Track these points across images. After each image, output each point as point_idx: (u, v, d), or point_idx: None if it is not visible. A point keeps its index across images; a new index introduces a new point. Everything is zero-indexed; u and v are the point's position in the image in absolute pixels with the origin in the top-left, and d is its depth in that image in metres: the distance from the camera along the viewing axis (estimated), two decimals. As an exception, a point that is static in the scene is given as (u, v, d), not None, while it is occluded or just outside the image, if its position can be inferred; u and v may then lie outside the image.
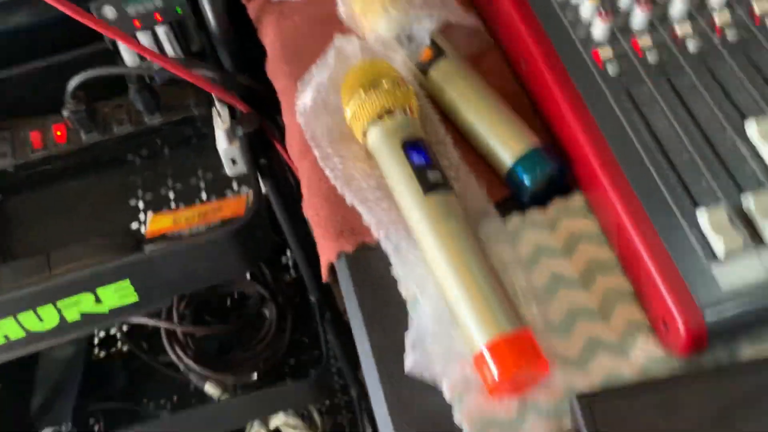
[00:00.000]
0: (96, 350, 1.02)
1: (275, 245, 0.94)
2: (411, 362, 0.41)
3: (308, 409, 1.14)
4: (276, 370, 0.94)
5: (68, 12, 0.60)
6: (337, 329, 0.94)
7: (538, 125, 0.51)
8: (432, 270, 0.44)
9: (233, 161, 0.70)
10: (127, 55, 0.73)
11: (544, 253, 0.46)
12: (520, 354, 0.39)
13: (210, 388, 0.89)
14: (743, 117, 0.43)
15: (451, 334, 0.42)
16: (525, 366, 0.39)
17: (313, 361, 0.93)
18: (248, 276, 0.99)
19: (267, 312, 0.97)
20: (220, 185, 0.72)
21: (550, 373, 0.41)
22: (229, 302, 1.02)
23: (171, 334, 0.90)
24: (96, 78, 0.68)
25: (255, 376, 0.91)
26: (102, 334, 1.03)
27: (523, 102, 0.53)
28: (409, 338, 0.42)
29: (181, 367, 0.89)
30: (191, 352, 0.91)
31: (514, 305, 0.42)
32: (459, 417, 0.41)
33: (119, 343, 1.02)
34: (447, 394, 0.42)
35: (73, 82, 0.66)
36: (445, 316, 0.43)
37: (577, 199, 0.48)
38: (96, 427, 0.91)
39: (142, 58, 0.71)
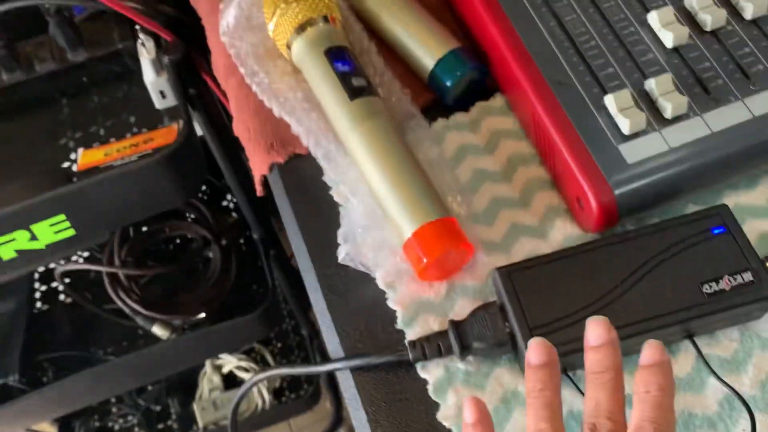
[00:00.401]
0: (39, 304, 1.01)
1: (209, 181, 0.95)
2: (343, 253, 0.43)
3: (261, 352, 1.16)
4: (224, 310, 0.94)
5: None
6: (284, 269, 0.96)
7: (459, 33, 0.52)
8: (361, 170, 0.46)
9: (162, 94, 0.70)
10: (46, -11, 0.71)
11: (468, 151, 0.49)
12: (444, 237, 0.41)
13: (158, 330, 0.90)
14: (646, 10, 0.46)
15: (382, 228, 0.44)
16: (449, 248, 0.41)
17: (260, 298, 0.95)
18: (190, 219, 1.00)
19: (211, 254, 0.98)
20: (151, 119, 0.72)
21: (475, 256, 0.44)
22: (172, 247, 1.02)
23: (114, 279, 0.90)
24: (12, 12, 0.66)
25: (203, 316, 0.92)
26: (44, 288, 1.02)
27: (445, 13, 0.54)
28: (341, 232, 0.44)
29: (127, 310, 0.89)
30: (136, 296, 0.91)
31: (440, 197, 0.44)
32: (393, 302, 0.43)
33: (62, 296, 1.01)
34: (381, 283, 0.44)
35: (-11, 17, 0.65)
36: (377, 212, 0.45)
37: (497, 100, 0.50)
38: (45, 377, 0.91)
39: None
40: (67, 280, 0.98)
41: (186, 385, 1.11)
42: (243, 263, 0.98)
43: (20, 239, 0.61)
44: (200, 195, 1.07)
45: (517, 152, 0.48)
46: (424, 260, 0.41)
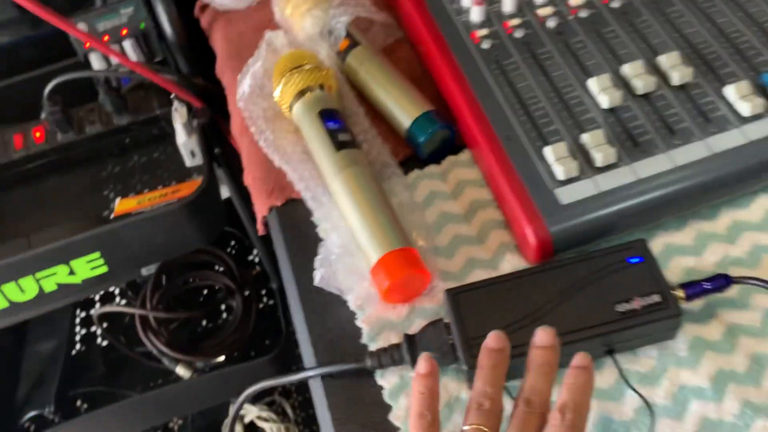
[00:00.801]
0: (78, 346, 1.10)
1: (237, 237, 1.04)
2: (318, 276, 0.51)
3: (282, 405, 1.22)
4: (243, 354, 1.02)
5: (58, 24, 0.69)
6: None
7: (436, 99, 0.61)
8: (340, 209, 0.54)
9: (192, 153, 0.80)
10: (97, 64, 0.83)
11: (436, 197, 0.56)
12: (405, 264, 0.49)
13: (181, 370, 0.97)
14: (588, 76, 0.54)
15: (354, 257, 0.51)
16: (408, 272, 0.48)
17: (277, 343, 1.02)
18: (218, 270, 1.09)
19: (234, 303, 1.06)
20: (182, 175, 0.82)
21: (434, 283, 0.50)
22: (201, 295, 1.10)
23: (145, 322, 0.98)
24: (69, 82, 0.78)
25: (222, 358, 0.99)
26: (83, 331, 1.11)
27: (426, 81, 0.63)
28: (317, 259, 0.52)
29: (155, 351, 0.98)
30: (164, 338, 0.99)
31: (404, 231, 0.51)
32: (360, 321, 0.50)
33: (99, 339, 1.10)
34: (352, 305, 0.51)
35: (50, 86, 0.76)
36: (351, 244, 0.52)
37: (465, 154, 0.58)
38: (78, 411, 0.99)
39: (111, 66, 0.81)
40: (104, 325, 1.08)
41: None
42: (263, 311, 1.06)
43: (60, 273, 0.70)
44: (229, 249, 1.17)
45: (477, 198, 0.55)
46: (387, 283, 0.48)
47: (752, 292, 0.46)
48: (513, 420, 0.36)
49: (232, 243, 1.17)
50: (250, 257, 1.16)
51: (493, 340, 0.40)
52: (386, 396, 0.46)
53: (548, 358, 0.38)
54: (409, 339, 0.46)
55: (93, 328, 1.12)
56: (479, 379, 0.38)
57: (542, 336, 0.39)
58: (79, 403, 1.01)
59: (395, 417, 0.45)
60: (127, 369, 1.06)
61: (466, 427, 0.36)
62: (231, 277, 1.07)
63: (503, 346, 0.39)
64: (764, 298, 0.46)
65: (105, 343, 1.10)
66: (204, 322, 1.08)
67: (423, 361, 0.39)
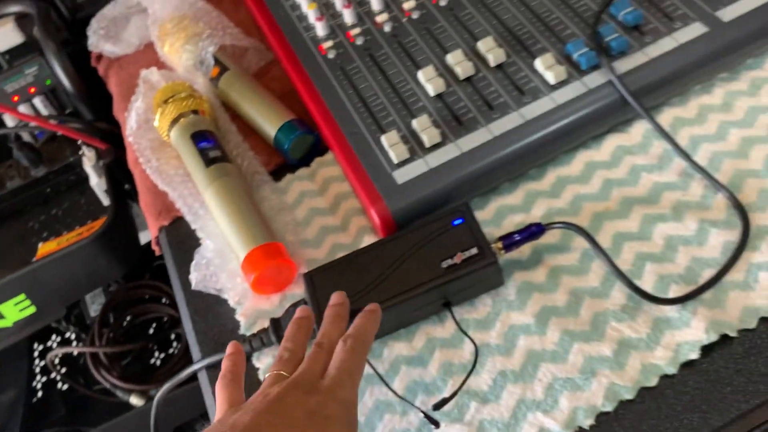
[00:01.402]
0: (39, 393, 1.14)
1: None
2: (194, 280, 0.56)
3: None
4: (194, 377, 1.06)
5: None
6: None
7: (303, 110, 0.67)
8: (214, 218, 0.59)
9: (106, 192, 0.85)
10: (11, 122, 0.89)
11: (305, 196, 0.62)
12: (269, 256, 0.54)
13: (134, 399, 1.02)
14: (417, 68, 0.60)
15: (227, 259, 0.57)
16: (272, 263, 0.54)
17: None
18: (164, 302, 1.13)
19: (181, 331, 1.11)
20: (100, 214, 0.87)
21: (301, 271, 0.56)
22: (151, 330, 1.15)
23: (96, 359, 1.03)
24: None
25: (174, 383, 1.04)
26: (44, 378, 1.16)
27: (296, 96, 0.69)
28: (192, 264, 0.57)
29: (108, 386, 1.02)
30: (116, 373, 1.04)
31: (271, 230, 0.57)
32: (239, 315, 0.55)
33: (59, 384, 1.15)
34: (231, 302, 0.56)
35: (-38, 149, 0.82)
36: (225, 247, 0.58)
37: (329, 155, 0.64)
38: (41, 454, 1.03)
39: (20, 123, 0.87)
40: (63, 369, 1.12)
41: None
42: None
43: (-10, 319, 0.75)
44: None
45: (341, 191, 0.61)
46: (253, 275, 0.54)
47: (573, 236, 0.52)
48: (306, 358, 0.42)
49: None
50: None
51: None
52: (261, 375, 0.52)
53: (338, 311, 0.46)
54: (275, 322, 0.52)
55: (53, 375, 1.16)
56: (284, 337, 0.45)
57: (334, 297, 0.47)
58: (42, 446, 1.05)
59: (269, 392, 0.50)
60: (87, 408, 1.10)
61: (267, 374, 0.42)
62: (176, 308, 1.12)
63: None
64: (583, 240, 0.52)
65: (66, 386, 1.15)
66: (156, 354, 1.13)
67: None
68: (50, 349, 1.19)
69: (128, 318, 1.12)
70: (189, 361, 1.07)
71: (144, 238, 0.96)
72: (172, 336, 1.15)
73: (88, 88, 0.85)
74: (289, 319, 0.51)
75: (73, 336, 1.19)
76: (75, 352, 1.10)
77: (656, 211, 0.52)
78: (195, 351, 0.56)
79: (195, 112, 0.66)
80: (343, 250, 0.57)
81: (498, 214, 0.55)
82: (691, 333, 0.45)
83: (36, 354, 1.20)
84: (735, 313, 0.45)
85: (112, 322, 1.10)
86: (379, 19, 0.65)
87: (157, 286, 1.12)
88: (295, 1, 0.69)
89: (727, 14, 0.56)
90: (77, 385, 1.09)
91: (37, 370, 1.17)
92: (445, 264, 0.49)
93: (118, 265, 0.77)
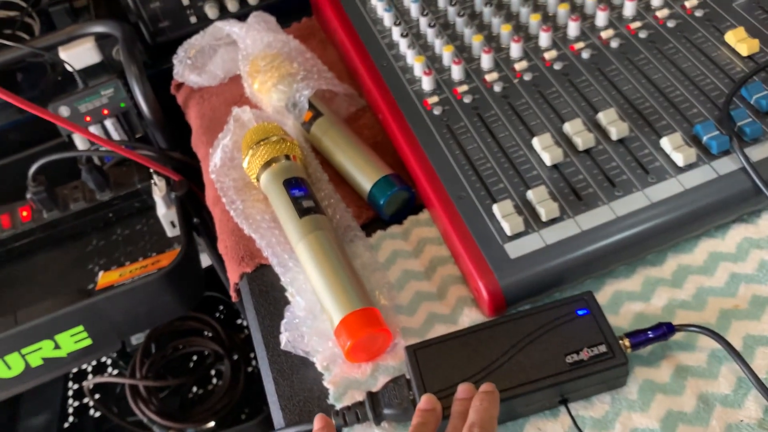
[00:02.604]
0: (71, 418, 1.11)
1: (225, 302, 1.06)
2: (284, 340, 0.53)
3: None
4: (232, 418, 1.02)
5: (34, 112, 0.73)
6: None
7: (396, 162, 0.64)
8: (305, 273, 0.56)
9: (172, 224, 0.83)
10: (80, 143, 0.87)
11: (398, 256, 0.59)
12: (366, 323, 0.51)
13: (171, 437, 0.99)
14: (532, 135, 0.57)
15: (319, 319, 0.54)
16: (369, 331, 0.50)
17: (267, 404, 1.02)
18: (207, 336, 1.10)
19: (223, 367, 1.07)
20: (163, 245, 0.84)
21: (396, 340, 0.52)
22: (191, 361, 1.12)
23: (135, 391, 1.00)
24: (53, 162, 0.82)
25: (212, 424, 1.00)
26: (76, 404, 1.12)
27: (388, 146, 0.66)
28: (283, 323, 0.54)
29: (145, 420, 0.99)
30: (154, 407, 1.00)
31: (366, 292, 0.54)
32: (327, 382, 0.52)
33: (91, 410, 1.11)
34: (319, 366, 0.53)
35: (33, 168, 0.80)
36: (316, 306, 0.54)
37: (424, 214, 0.61)
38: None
39: (93, 145, 0.85)
40: (97, 396, 1.09)
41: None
42: (252, 375, 1.07)
43: (45, 348, 0.72)
44: (217, 314, 1.19)
45: (437, 255, 0.58)
46: (349, 342, 0.50)
47: (699, 334, 0.48)
48: None
49: (221, 308, 1.19)
50: (239, 321, 1.17)
51: (423, 401, 0.44)
52: (352, 454, 0.48)
53: (466, 406, 0.43)
54: (372, 396, 0.48)
55: (86, 400, 1.12)
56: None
57: (462, 390, 0.45)
58: (71, 476, 1.01)
59: (360, 474, 0.47)
60: (119, 439, 1.07)
61: None
62: (219, 342, 1.09)
63: (432, 407, 0.44)
64: (709, 339, 0.48)
65: (98, 414, 1.11)
66: (195, 388, 1.09)
67: (318, 419, 0.45)
68: (84, 372, 1.16)
69: (170, 350, 1.09)
70: (230, 402, 1.04)
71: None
72: (213, 372, 1.11)
73: (164, 117, 0.83)
74: (389, 396, 0.48)
75: (109, 362, 1.16)
76: (116, 382, 1.06)
77: (792, 315, 0.48)
78: (277, 416, 0.52)
79: (287, 157, 0.63)
80: (441, 320, 0.54)
81: (614, 301, 0.52)
82: (842, 461, 0.41)
83: (71, 376, 1.17)
84: None
85: (154, 352, 1.07)
86: (489, 78, 0.62)
87: (203, 318, 1.09)
88: (400, 52, 0.67)
89: None
90: (111, 414, 1.06)
91: (70, 393, 1.14)
92: (570, 359, 0.45)
93: (182, 303, 0.74)
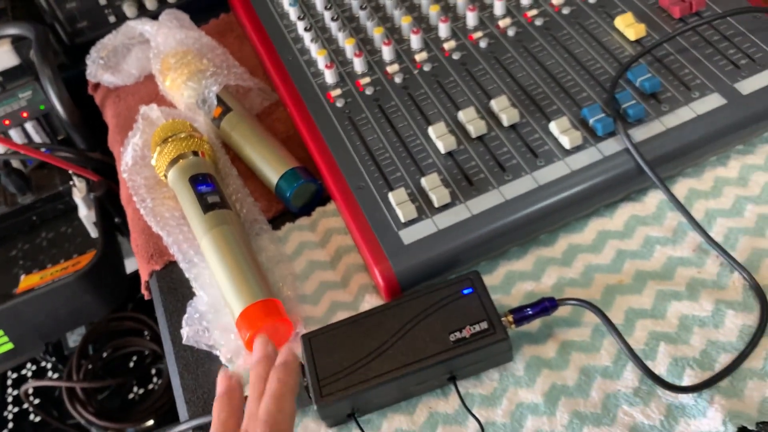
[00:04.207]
0: (11, 425, 1.10)
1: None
2: (185, 335, 0.53)
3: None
4: (172, 416, 1.03)
5: None
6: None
7: (306, 156, 0.65)
8: (209, 268, 0.57)
9: (95, 225, 0.83)
10: (0, 149, 0.86)
11: (305, 247, 0.60)
12: (266, 314, 0.52)
13: (110, 438, 0.98)
14: (429, 124, 0.58)
15: (222, 313, 0.55)
16: (268, 322, 0.51)
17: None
18: (146, 336, 1.10)
19: (163, 366, 1.07)
20: (87, 247, 0.84)
21: (298, 329, 0.53)
22: (132, 364, 1.12)
23: (72, 394, 0.99)
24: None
25: (151, 422, 1.00)
26: (15, 409, 1.11)
27: (300, 140, 0.67)
28: (184, 318, 0.54)
29: (83, 422, 0.98)
30: (92, 408, 1.00)
31: (267, 284, 0.55)
32: (230, 373, 0.53)
33: (31, 415, 1.10)
34: (223, 359, 0.54)
35: (-53, 172, 0.79)
36: (220, 301, 0.55)
37: (331, 204, 0.62)
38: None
39: (8, 150, 0.84)
40: (36, 401, 1.08)
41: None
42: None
43: (-35, 354, 0.72)
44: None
45: (342, 244, 0.59)
46: (248, 334, 0.51)
47: (585, 310, 0.50)
48: None
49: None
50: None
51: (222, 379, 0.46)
52: (251, 441, 0.49)
53: (267, 368, 0.46)
54: (269, 385, 0.49)
55: (25, 406, 1.12)
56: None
57: (257, 348, 0.48)
58: (10, 482, 1.00)
59: (259, 461, 0.48)
60: (59, 444, 1.06)
61: None
62: (158, 342, 1.08)
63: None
64: (594, 315, 0.50)
65: (38, 419, 1.10)
66: (135, 389, 1.09)
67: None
68: (25, 377, 1.15)
69: (108, 351, 1.08)
70: (169, 399, 1.04)
71: (129, 266, 0.92)
72: (153, 371, 1.11)
73: (83, 117, 0.82)
74: (285, 383, 0.48)
75: (49, 366, 1.15)
76: (51, 385, 1.05)
77: (670, 288, 0.50)
78: (182, 410, 0.53)
79: (195, 153, 0.64)
80: (343, 308, 0.55)
81: (507, 281, 0.53)
82: (707, 423, 0.43)
83: (9, 382, 1.16)
84: (754, 403, 0.43)
85: (92, 354, 1.07)
86: (390, 69, 0.63)
87: (140, 318, 1.09)
88: (305, 46, 0.67)
89: (746, 87, 0.55)
90: (50, 418, 1.05)
91: (9, 399, 1.13)
92: (453, 337, 0.47)
93: (103, 303, 0.74)
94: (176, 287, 0.60)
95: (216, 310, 0.55)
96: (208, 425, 0.50)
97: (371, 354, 0.47)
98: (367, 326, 0.49)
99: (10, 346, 0.73)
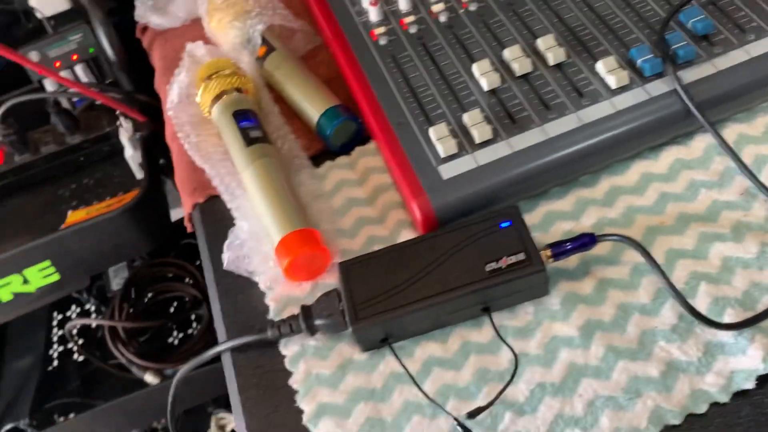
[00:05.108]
0: (56, 363, 1.14)
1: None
2: (226, 260, 0.55)
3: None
4: (211, 360, 1.05)
5: (8, 56, 0.75)
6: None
7: (348, 97, 0.65)
8: (251, 199, 0.58)
9: (141, 166, 0.84)
10: (51, 88, 0.88)
11: (344, 184, 0.60)
12: (304, 242, 0.52)
13: (149, 377, 1.01)
14: (472, 61, 0.58)
15: (262, 242, 0.55)
16: (307, 250, 0.52)
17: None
18: (188, 282, 1.13)
19: (202, 312, 1.10)
20: (132, 188, 0.86)
21: (335, 260, 0.54)
22: (172, 309, 1.14)
23: (114, 333, 1.02)
24: (24, 107, 0.83)
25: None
26: (60, 348, 1.15)
27: (342, 83, 0.67)
28: (226, 243, 0.56)
29: (124, 361, 1.01)
30: (133, 349, 1.03)
31: (307, 216, 0.55)
32: (268, 300, 0.54)
33: (75, 355, 1.14)
34: (261, 286, 0.55)
35: (2, 108, 0.81)
36: (260, 231, 0.56)
37: (371, 144, 0.62)
38: (52, 422, 1.03)
39: (61, 88, 0.86)
40: (80, 341, 1.12)
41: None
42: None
43: (15, 283, 0.74)
44: (198, 262, 1.21)
45: (381, 183, 0.59)
46: (287, 260, 0.52)
47: (624, 249, 0.50)
48: None
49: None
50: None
51: None
52: (287, 363, 0.50)
53: None
54: (305, 309, 0.50)
55: (69, 345, 1.16)
56: None
57: None
58: (55, 415, 1.05)
59: (294, 381, 0.49)
60: (101, 381, 1.10)
61: None
62: (199, 288, 1.11)
63: None
64: (634, 253, 0.49)
65: (81, 358, 1.14)
66: (175, 333, 1.12)
67: None
68: (69, 319, 1.19)
69: (150, 295, 1.11)
70: (208, 343, 1.06)
71: (174, 216, 0.95)
72: (193, 317, 1.14)
73: (130, 60, 0.84)
74: (321, 308, 0.49)
75: (92, 308, 1.18)
76: (93, 325, 1.09)
77: (714, 230, 0.49)
78: (221, 332, 0.54)
79: (238, 90, 0.64)
80: (380, 242, 0.55)
81: (546, 220, 0.53)
82: (746, 361, 0.42)
83: (55, 323, 1.20)
84: (795, 344, 0.43)
85: (134, 297, 1.10)
86: (435, 8, 0.63)
87: (182, 265, 1.11)
88: (350, -16, 0.67)
89: (804, 29, 0.54)
90: (93, 357, 1.09)
91: (55, 339, 1.17)
92: (489, 267, 0.47)
93: (146, 240, 0.76)
94: (218, 219, 0.61)
95: (256, 239, 0.55)
96: (244, 346, 0.52)
97: (407, 281, 0.48)
98: (403, 255, 0.49)
99: (56, 277, 0.75)
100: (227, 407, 1.26)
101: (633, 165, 0.55)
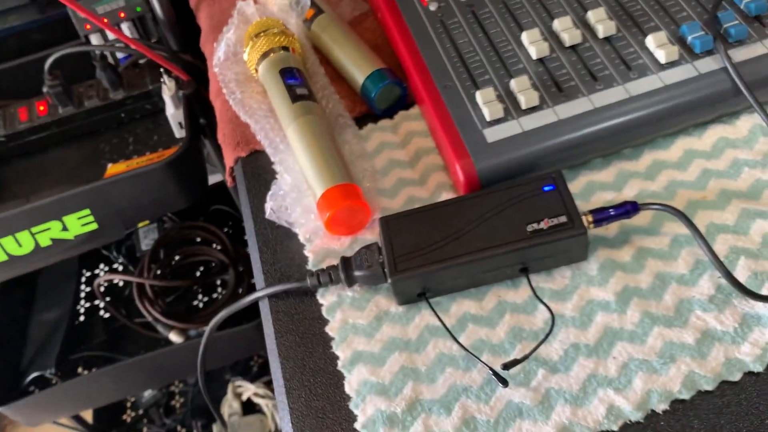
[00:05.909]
0: (82, 318, 1.16)
1: (235, 217, 1.10)
2: (268, 209, 0.56)
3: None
4: (232, 323, 1.07)
5: (70, 5, 0.76)
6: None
7: (394, 63, 0.65)
8: (294, 154, 0.59)
9: (180, 125, 0.86)
10: (97, 43, 0.90)
11: (386, 146, 0.61)
12: (346, 196, 0.53)
13: (174, 336, 1.03)
14: (521, 30, 0.58)
15: (304, 195, 0.56)
16: (348, 204, 0.53)
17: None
18: (216, 247, 1.14)
19: (228, 277, 1.11)
20: (171, 144, 0.88)
21: (375, 217, 0.55)
22: (198, 272, 1.16)
23: (142, 291, 1.04)
24: (70, 60, 0.85)
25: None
26: (87, 304, 1.18)
27: (387, 48, 0.68)
28: (269, 194, 0.57)
29: (150, 318, 1.03)
30: (159, 308, 1.05)
31: (350, 172, 0.56)
32: (307, 251, 0.55)
33: (101, 311, 1.17)
34: (301, 238, 0.56)
35: (50, 60, 0.83)
36: (302, 184, 0.57)
37: (414, 109, 0.63)
38: (77, 373, 1.05)
39: (107, 42, 0.88)
40: (107, 298, 1.14)
41: (209, 410, 1.23)
42: (253, 286, 1.11)
43: (54, 229, 0.76)
44: (226, 229, 1.23)
45: (422, 146, 0.60)
46: (328, 213, 0.53)
47: (664, 220, 0.50)
48: None
49: (230, 223, 1.23)
50: (245, 237, 1.21)
51: None
52: (324, 311, 0.51)
53: None
54: (345, 260, 0.51)
55: (96, 302, 1.18)
56: None
57: None
58: (79, 368, 1.07)
59: (330, 329, 0.50)
60: (126, 338, 1.12)
61: None
62: (226, 254, 1.13)
63: None
64: (674, 225, 0.49)
65: (107, 315, 1.16)
66: (200, 296, 1.14)
67: None
68: (98, 276, 1.21)
69: (178, 257, 1.13)
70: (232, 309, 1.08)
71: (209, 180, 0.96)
72: (218, 281, 1.15)
73: (176, 19, 0.85)
74: (360, 260, 0.50)
75: (121, 267, 1.21)
76: (121, 283, 1.11)
77: (756, 207, 0.49)
78: (259, 280, 0.55)
79: (286, 49, 0.65)
80: (420, 203, 0.56)
81: (587, 189, 0.53)
82: (783, 333, 0.43)
83: (84, 279, 1.22)
84: (833, 320, 0.43)
85: (162, 258, 1.12)
86: (486, -22, 0.63)
87: (211, 229, 1.13)
88: (401, -49, 0.68)
89: None
90: (119, 314, 1.11)
91: (83, 295, 1.20)
92: (530, 228, 0.47)
93: (184, 195, 0.77)
94: (260, 173, 0.62)
95: (298, 191, 0.56)
96: (283, 293, 0.53)
97: (447, 238, 0.48)
98: (445, 213, 0.50)
99: (94, 226, 0.77)
100: (245, 374, 1.28)
101: (677, 141, 0.55)
